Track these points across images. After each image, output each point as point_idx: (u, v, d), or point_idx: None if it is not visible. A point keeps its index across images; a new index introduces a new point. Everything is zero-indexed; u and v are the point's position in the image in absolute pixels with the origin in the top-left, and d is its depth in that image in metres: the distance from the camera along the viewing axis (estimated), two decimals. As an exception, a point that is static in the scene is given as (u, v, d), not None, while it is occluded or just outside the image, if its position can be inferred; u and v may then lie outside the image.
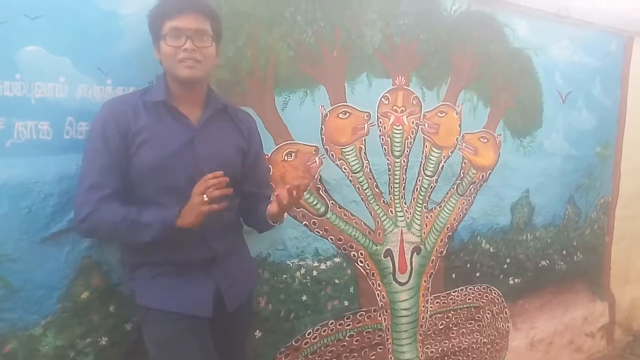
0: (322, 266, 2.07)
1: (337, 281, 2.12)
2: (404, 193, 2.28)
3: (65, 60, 1.45)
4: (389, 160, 2.22)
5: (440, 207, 2.42)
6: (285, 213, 1.58)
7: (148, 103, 1.41)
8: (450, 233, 2.47)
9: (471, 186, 2.51)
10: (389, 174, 2.23)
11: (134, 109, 1.40)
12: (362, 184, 2.16)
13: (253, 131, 1.64)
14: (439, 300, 2.45)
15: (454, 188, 2.45)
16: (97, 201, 1.33)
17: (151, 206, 1.37)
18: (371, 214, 2.19)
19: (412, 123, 2.28)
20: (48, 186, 1.44)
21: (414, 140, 2.29)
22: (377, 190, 2.20)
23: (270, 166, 1.89)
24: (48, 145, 1.45)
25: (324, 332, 2.10)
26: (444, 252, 2.45)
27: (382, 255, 2.24)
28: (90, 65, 1.49)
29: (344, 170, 2.10)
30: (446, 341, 2.49)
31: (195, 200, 1.33)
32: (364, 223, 2.17)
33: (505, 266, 2.71)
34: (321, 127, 2.03)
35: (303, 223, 2.01)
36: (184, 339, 1.40)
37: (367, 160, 2.16)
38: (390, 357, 2.30)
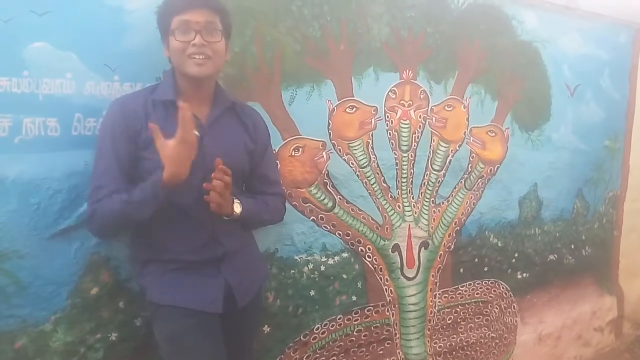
0: (330, 261, 2.07)
1: (345, 276, 2.11)
2: (411, 188, 2.27)
3: (73, 56, 1.45)
4: (396, 154, 2.21)
5: (448, 202, 2.41)
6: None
7: (157, 102, 1.41)
8: (458, 228, 2.46)
9: (479, 180, 2.50)
10: (396, 169, 2.22)
11: (143, 107, 1.39)
12: (369, 178, 2.15)
13: (259, 128, 1.62)
14: (447, 295, 2.44)
15: (461, 182, 2.44)
16: (97, 202, 1.34)
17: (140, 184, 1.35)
18: (379, 209, 2.19)
19: (420, 117, 2.26)
20: (56, 182, 1.44)
21: (422, 134, 2.28)
22: (385, 185, 2.19)
23: (277, 162, 1.88)
24: (56, 141, 1.44)
25: (332, 327, 2.10)
26: (452, 246, 2.44)
27: (390, 250, 2.23)
28: (98, 61, 1.49)
29: (352, 165, 2.09)
30: (454, 336, 2.48)
31: (177, 146, 1.26)
32: (371, 218, 2.17)
33: (514, 260, 2.70)
34: (328, 122, 2.02)
35: (310, 218, 2.01)
36: (194, 334, 1.40)
37: (375, 155, 2.15)
38: (398, 352, 2.30)
